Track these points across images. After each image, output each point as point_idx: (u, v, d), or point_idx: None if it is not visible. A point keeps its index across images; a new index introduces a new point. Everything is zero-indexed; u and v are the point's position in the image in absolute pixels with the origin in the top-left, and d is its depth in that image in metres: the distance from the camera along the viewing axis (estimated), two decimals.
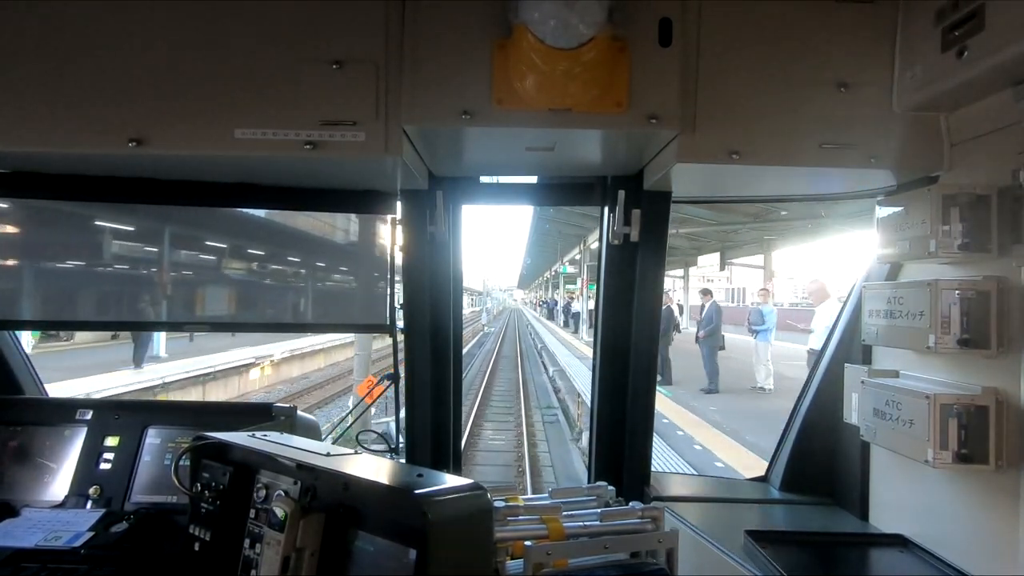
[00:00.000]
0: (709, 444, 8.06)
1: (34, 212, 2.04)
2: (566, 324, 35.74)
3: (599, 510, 1.33)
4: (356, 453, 1.24)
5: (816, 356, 2.17)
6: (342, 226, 2.21)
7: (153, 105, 1.51)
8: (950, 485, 1.53)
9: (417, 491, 0.97)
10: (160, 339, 15.07)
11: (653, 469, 2.15)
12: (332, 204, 2.00)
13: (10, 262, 2.08)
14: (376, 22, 1.51)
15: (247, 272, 2.23)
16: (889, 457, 1.69)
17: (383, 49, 1.51)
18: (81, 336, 18.80)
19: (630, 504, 1.35)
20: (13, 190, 1.84)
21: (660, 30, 1.51)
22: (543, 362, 23.00)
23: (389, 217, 1.99)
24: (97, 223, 2.11)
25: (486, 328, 46.26)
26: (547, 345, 25.46)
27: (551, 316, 49.06)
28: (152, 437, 1.93)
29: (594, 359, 2.19)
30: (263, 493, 1.17)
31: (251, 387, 16.03)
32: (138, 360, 13.60)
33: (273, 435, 1.32)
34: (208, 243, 2.24)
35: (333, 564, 1.07)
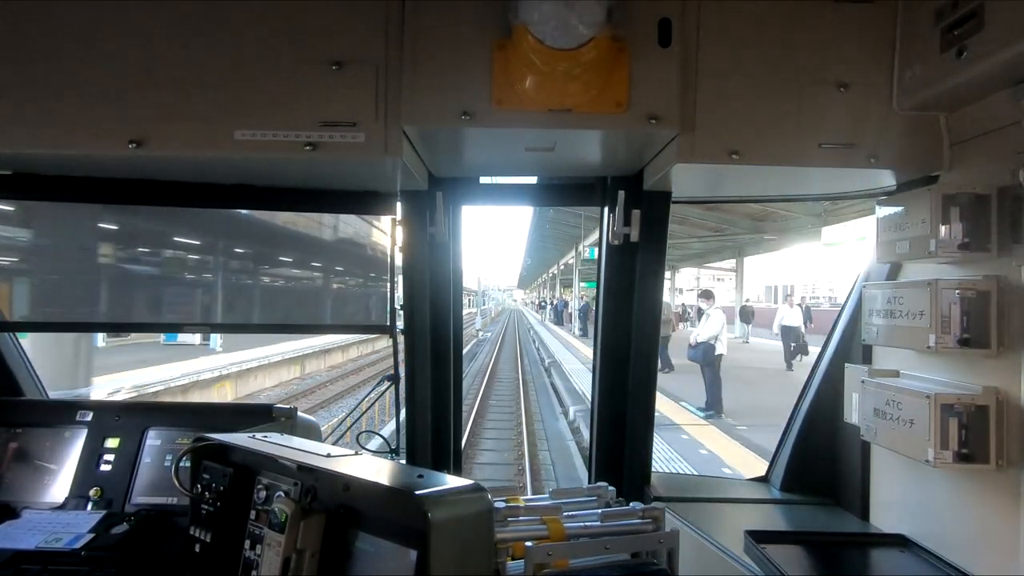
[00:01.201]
0: None
1: (34, 213, 2.04)
2: (583, 332, 28.60)
3: (600, 510, 1.33)
4: (356, 454, 1.24)
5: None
6: (342, 228, 2.21)
7: (153, 106, 1.51)
8: (951, 485, 1.53)
9: (418, 492, 0.97)
10: None
11: (657, 469, 2.15)
12: (332, 205, 2.00)
13: (10, 264, 2.08)
14: (376, 23, 1.51)
15: (247, 274, 2.23)
16: (890, 457, 1.69)
17: (383, 50, 1.51)
18: None
19: (631, 504, 1.35)
20: (13, 191, 1.84)
21: (660, 30, 1.51)
22: (552, 385, 16.54)
23: (389, 218, 1.99)
24: (97, 225, 2.11)
25: (481, 334, 38.17)
26: (558, 361, 18.69)
27: (559, 321, 40.88)
28: (152, 439, 1.93)
29: (594, 359, 2.20)
30: (263, 494, 1.17)
31: None
32: None
33: (273, 436, 1.32)
34: (208, 245, 2.24)
35: (334, 565, 1.07)
